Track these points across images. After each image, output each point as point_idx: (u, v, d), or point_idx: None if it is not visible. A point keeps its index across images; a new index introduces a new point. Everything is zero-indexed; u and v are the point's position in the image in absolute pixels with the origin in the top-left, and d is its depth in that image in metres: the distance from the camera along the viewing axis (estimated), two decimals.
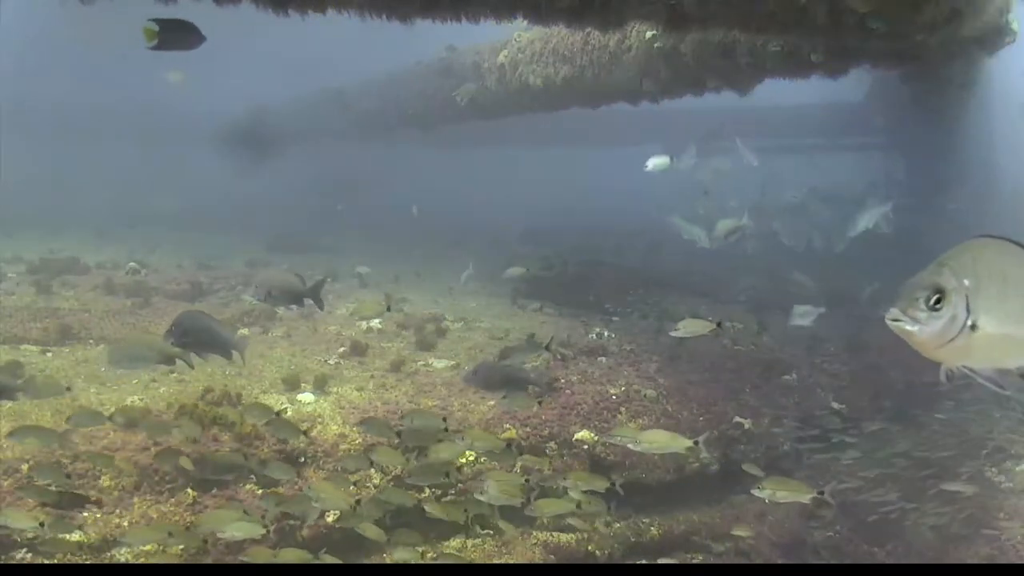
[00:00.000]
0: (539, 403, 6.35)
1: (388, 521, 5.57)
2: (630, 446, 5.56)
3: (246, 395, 6.57)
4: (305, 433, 5.97)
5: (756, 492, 5.53)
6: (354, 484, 5.87)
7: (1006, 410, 8.57)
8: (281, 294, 5.93)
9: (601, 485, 5.71)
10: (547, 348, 5.95)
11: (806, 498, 5.54)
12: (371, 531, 5.38)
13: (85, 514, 5.24)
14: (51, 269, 11.54)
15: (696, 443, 5.46)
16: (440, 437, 5.66)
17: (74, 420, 5.41)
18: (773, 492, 5.48)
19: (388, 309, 7.11)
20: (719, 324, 5.95)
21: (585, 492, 5.69)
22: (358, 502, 5.40)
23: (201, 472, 5.51)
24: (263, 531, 5.04)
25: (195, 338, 5.34)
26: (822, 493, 5.53)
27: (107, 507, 5.32)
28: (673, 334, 6.04)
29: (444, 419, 5.67)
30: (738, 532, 6.57)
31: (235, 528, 5.00)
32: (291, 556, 5.10)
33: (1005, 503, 7.05)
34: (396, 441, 5.75)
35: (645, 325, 10.25)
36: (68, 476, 5.25)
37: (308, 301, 6.06)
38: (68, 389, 5.82)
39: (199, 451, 5.66)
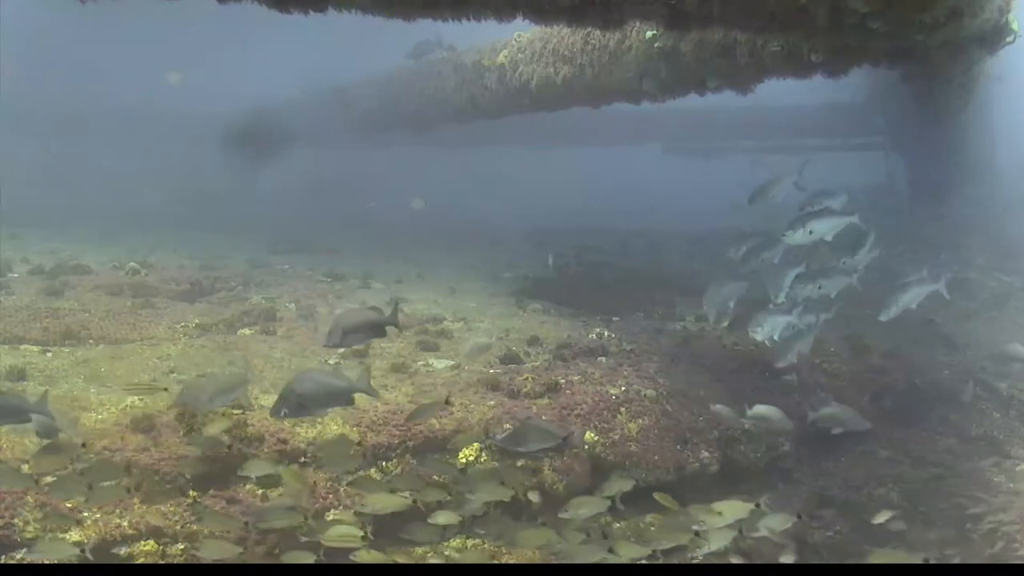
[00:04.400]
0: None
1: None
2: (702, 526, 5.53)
3: (246, 396, 6.55)
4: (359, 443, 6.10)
5: None
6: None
7: (1006, 410, 8.57)
8: (361, 332, 5.80)
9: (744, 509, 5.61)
10: (565, 440, 5.98)
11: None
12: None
13: (85, 514, 5.25)
14: (52, 269, 11.54)
15: (758, 505, 5.66)
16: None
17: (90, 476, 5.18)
18: None
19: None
20: (757, 505, 5.88)
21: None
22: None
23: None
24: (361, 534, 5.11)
25: (358, 334, 5.71)
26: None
27: (107, 507, 5.32)
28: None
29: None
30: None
31: (336, 534, 5.06)
32: (368, 558, 5.06)
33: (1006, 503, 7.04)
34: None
35: (645, 325, 10.25)
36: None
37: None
38: (83, 445, 5.45)
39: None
